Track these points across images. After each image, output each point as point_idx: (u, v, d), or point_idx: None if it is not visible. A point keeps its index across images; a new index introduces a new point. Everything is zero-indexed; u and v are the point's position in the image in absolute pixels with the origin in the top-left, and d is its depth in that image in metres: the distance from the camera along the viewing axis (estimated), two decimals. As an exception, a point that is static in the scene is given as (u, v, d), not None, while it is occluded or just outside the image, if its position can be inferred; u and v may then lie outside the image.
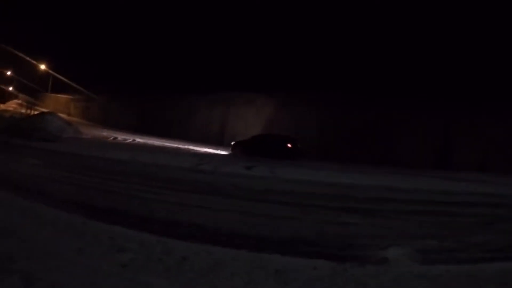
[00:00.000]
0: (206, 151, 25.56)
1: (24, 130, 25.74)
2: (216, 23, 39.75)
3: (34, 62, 56.41)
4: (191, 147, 28.46)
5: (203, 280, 4.31)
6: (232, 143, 25.32)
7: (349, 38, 30.06)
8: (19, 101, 67.64)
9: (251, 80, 34.24)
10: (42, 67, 57.91)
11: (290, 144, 23.05)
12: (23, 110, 55.04)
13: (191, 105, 39.23)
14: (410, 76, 25.84)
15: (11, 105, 67.84)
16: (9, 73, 65.90)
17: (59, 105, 58.78)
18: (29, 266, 4.15)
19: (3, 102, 70.67)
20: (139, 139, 34.75)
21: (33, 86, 63.29)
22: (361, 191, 11.86)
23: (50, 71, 58.58)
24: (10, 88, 71.36)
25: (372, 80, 27.51)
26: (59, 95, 61.45)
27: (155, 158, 17.13)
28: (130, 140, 32.78)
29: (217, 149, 27.39)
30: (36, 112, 42.83)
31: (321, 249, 5.69)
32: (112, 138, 33.22)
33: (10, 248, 4.67)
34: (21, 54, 52.91)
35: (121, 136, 35.72)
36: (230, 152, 24.67)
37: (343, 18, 30.98)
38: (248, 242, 5.81)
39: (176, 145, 29.14)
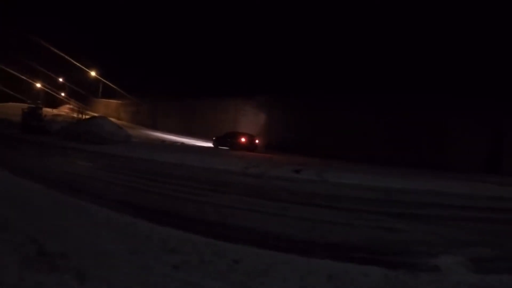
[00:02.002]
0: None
1: (76, 133, 26.61)
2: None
3: (85, 69, 58.39)
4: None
5: (254, 283, 4.24)
6: (213, 138, 32.18)
7: (387, 37, 29.52)
8: (71, 106, 70.21)
9: (287, 83, 35.39)
10: (93, 73, 59.86)
11: (245, 139, 30.56)
12: (75, 115, 57.13)
13: (237, 108, 39.70)
14: (459, 74, 24.78)
15: (63, 110, 70.46)
16: (61, 79, 68.40)
17: (109, 110, 60.73)
18: (82, 264, 4.21)
19: (56, 107, 73.52)
20: (187, 141, 35.43)
21: (84, 92, 65.39)
22: (409, 195, 11.57)
23: (100, 78, 60.48)
24: (62, 94, 74.15)
25: (417, 79, 26.66)
26: (109, 100, 63.51)
27: (203, 161, 17.31)
28: (178, 142, 33.39)
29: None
30: (87, 117, 44.33)
31: (371, 255, 5.53)
32: (160, 140, 33.95)
33: (65, 246, 4.77)
34: (73, 61, 54.87)
35: (169, 139, 36.48)
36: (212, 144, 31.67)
37: (376, 17, 30.54)
38: (298, 246, 5.73)
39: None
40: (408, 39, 28.28)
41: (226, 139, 30.95)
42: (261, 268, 4.65)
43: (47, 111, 55.13)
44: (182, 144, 32.36)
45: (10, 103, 68.01)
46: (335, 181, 13.73)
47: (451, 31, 26.06)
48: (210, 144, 32.29)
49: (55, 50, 52.08)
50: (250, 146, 30.14)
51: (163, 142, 33.03)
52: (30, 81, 66.38)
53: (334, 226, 7.27)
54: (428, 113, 26.11)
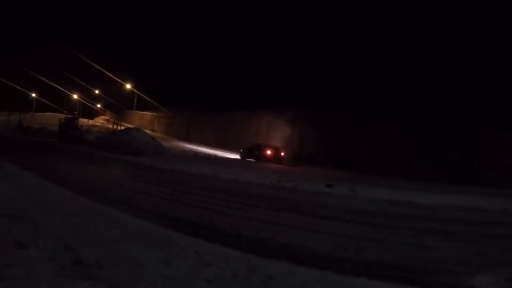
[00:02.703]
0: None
1: (111, 144, 27.11)
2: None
3: (120, 81, 59.75)
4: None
5: (289, 300, 4.17)
6: (240, 150, 32.77)
7: (416, 45, 29.14)
8: (106, 117, 71.88)
9: (317, 96, 35.44)
10: (128, 86, 61.14)
11: (270, 151, 31.03)
12: (110, 126, 58.40)
13: (269, 121, 39.84)
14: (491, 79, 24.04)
15: (99, 121, 72.32)
16: (97, 91, 70.14)
17: (144, 122, 61.84)
18: (117, 274, 4.21)
19: (92, 118, 75.41)
20: (220, 153, 35.66)
21: (119, 103, 66.82)
22: (443, 211, 11.19)
23: (135, 90, 61.71)
24: (98, 105, 76.02)
25: (450, 87, 26.03)
26: (144, 112, 64.72)
27: (236, 173, 17.33)
28: (212, 155, 33.63)
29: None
30: (122, 128, 45.21)
31: (406, 273, 5.35)
32: (194, 153, 34.24)
33: (100, 255, 4.79)
34: (109, 74, 56.27)
35: (201, 151, 36.77)
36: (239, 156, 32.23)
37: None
38: (332, 263, 5.59)
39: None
40: (439, 47, 27.90)
41: (252, 151, 31.37)
42: (295, 284, 4.56)
43: (83, 121, 56.72)
44: (216, 156, 32.57)
45: (49, 113, 70.29)
46: (368, 196, 13.49)
47: (482, 40, 25.47)
48: (238, 156, 32.59)
49: (92, 63, 53.60)
50: (276, 159, 30.40)
51: (197, 154, 33.31)
52: (68, 92, 68.46)
53: (368, 243, 7.09)
54: (460, 123, 25.29)
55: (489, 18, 25.35)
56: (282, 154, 31.88)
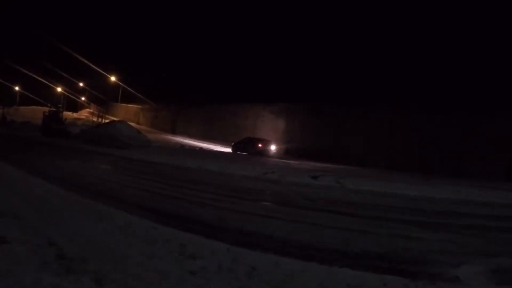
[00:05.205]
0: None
1: (96, 137, 26.90)
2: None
3: (105, 74, 59.20)
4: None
5: (274, 291, 4.19)
6: (232, 144, 33.00)
7: (410, 42, 29.39)
8: (91, 110, 71.26)
9: (306, 89, 35.51)
10: (113, 78, 60.60)
11: (261, 144, 31.30)
12: (95, 119, 57.91)
13: (256, 114, 39.88)
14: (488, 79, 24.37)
15: (83, 114, 71.66)
16: (81, 84, 69.44)
17: (129, 114, 61.40)
18: (101, 267, 4.20)
19: (76, 111, 74.67)
20: (206, 146, 35.62)
21: (104, 96, 66.28)
22: (431, 204, 11.32)
23: (120, 83, 61.21)
24: (83, 98, 75.31)
25: (440, 85, 26.37)
26: (128, 105, 64.23)
27: (221, 166, 17.32)
28: (197, 147, 33.56)
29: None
30: (107, 121, 44.87)
31: (391, 264, 5.41)
32: (179, 146, 34.14)
33: (84, 249, 4.77)
34: (93, 66, 55.70)
35: (187, 144, 36.68)
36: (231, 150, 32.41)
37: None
38: (317, 255, 5.63)
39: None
40: (431, 45, 28.14)
41: (244, 144, 31.72)
42: (280, 276, 4.59)
43: (68, 114, 56.09)
44: (201, 149, 32.50)
45: (32, 107, 69.40)
46: (353, 188, 13.57)
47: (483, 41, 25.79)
48: (228, 149, 32.76)
49: (76, 55, 52.97)
50: (267, 152, 30.89)
51: (183, 147, 33.20)
52: (52, 85, 67.62)
53: (352, 234, 7.15)
54: (452, 119, 25.74)
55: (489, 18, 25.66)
56: (274, 147, 32.33)
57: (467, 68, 25.75)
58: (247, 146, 31.15)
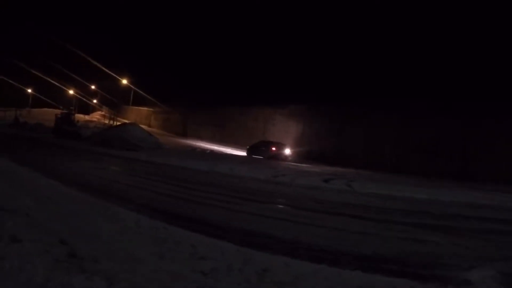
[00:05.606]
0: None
1: (107, 139, 27.06)
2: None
3: (117, 77, 59.59)
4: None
5: (283, 293, 4.16)
6: (247, 147, 32.75)
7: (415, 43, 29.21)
8: (103, 113, 71.78)
9: (319, 92, 35.41)
10: (124, 81, 60.97)
11: (275, 148, 31.13)
12: (106, 121, 58.29)
13: (267, 117, 39.88)
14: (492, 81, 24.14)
15: (95, 116, 72.20)
16: (93, 87, 69.95)
17: (140, 117, 61.78)
18: (112, 267, 4.21)
19: (88, 113, 75.29)
20: (216, 148, 35.66)
21: (116, 99, 66.70)
22: (439, 207, 11.24)
23: (132, 86, 61.59)
24: (94, 101, 75.89)
25: (451, 85, 26.14)
26: (140, 108, 64.62)
27: (232, 168, 17.34)
28: (208, 150, 33.63)
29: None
30: (118, 123, 45.13)
31: (401, 267, 5.37)
32: (190, 148, 34.24)
33: (95, 249, 4.79)
34: (105, 70, 56.12)
35: (199, 146, 36.78)
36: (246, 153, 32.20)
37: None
38: (327, 257, 5.60)
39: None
40: (435, 46, 27.97)
41: (258, 148, 31.51)
42: (290, 277, 4.55)
43: (80, 117, 56.54)
44: (212, 151, 32.57)
45: (45, 109, 70.09)
46: (364, 191, 13.55)
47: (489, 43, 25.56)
48: (242, 153, 32.78)
49: (89, 58, 53.41)
50: (281, 155, 30.72)
51: (194, 149, 33.28)
52: (64, 88, 68.19)
53: (363, 237, 7.12)
54: (460, 122, 25.54)
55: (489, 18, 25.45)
56: (288, 151, 32.18)
57: (472, 68, 25.53)
58: (262, 149, 31.01)
